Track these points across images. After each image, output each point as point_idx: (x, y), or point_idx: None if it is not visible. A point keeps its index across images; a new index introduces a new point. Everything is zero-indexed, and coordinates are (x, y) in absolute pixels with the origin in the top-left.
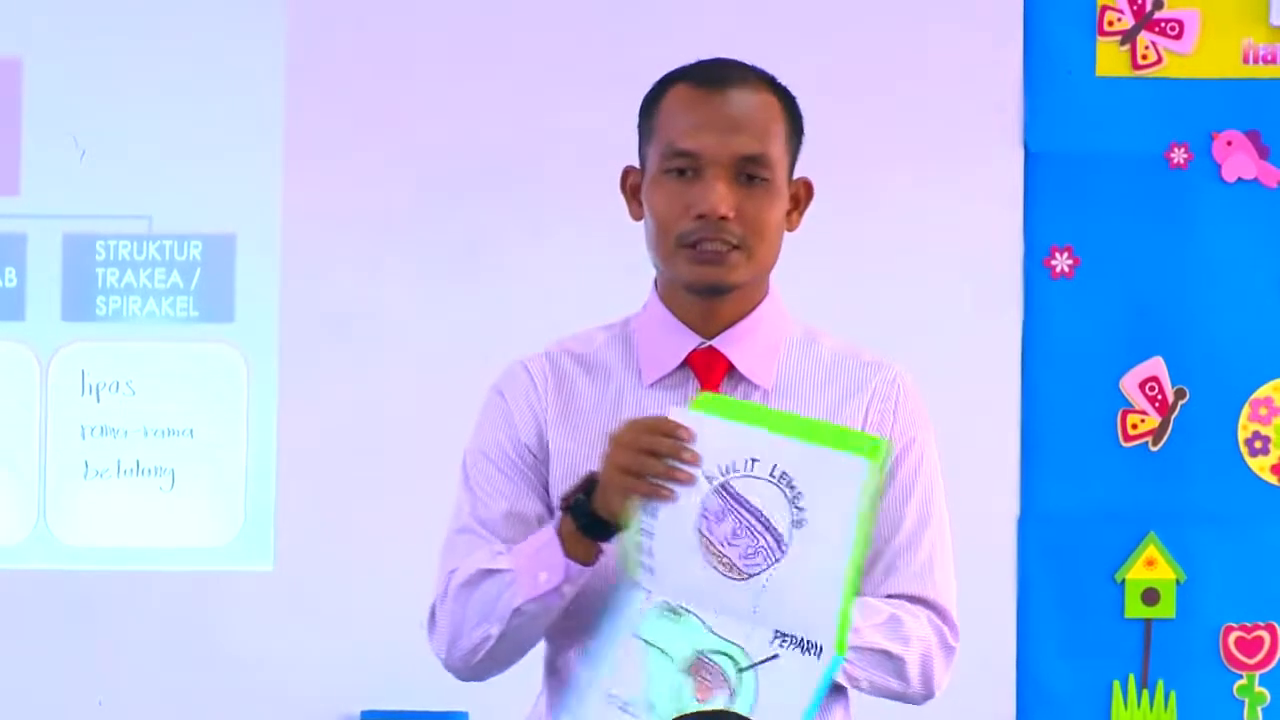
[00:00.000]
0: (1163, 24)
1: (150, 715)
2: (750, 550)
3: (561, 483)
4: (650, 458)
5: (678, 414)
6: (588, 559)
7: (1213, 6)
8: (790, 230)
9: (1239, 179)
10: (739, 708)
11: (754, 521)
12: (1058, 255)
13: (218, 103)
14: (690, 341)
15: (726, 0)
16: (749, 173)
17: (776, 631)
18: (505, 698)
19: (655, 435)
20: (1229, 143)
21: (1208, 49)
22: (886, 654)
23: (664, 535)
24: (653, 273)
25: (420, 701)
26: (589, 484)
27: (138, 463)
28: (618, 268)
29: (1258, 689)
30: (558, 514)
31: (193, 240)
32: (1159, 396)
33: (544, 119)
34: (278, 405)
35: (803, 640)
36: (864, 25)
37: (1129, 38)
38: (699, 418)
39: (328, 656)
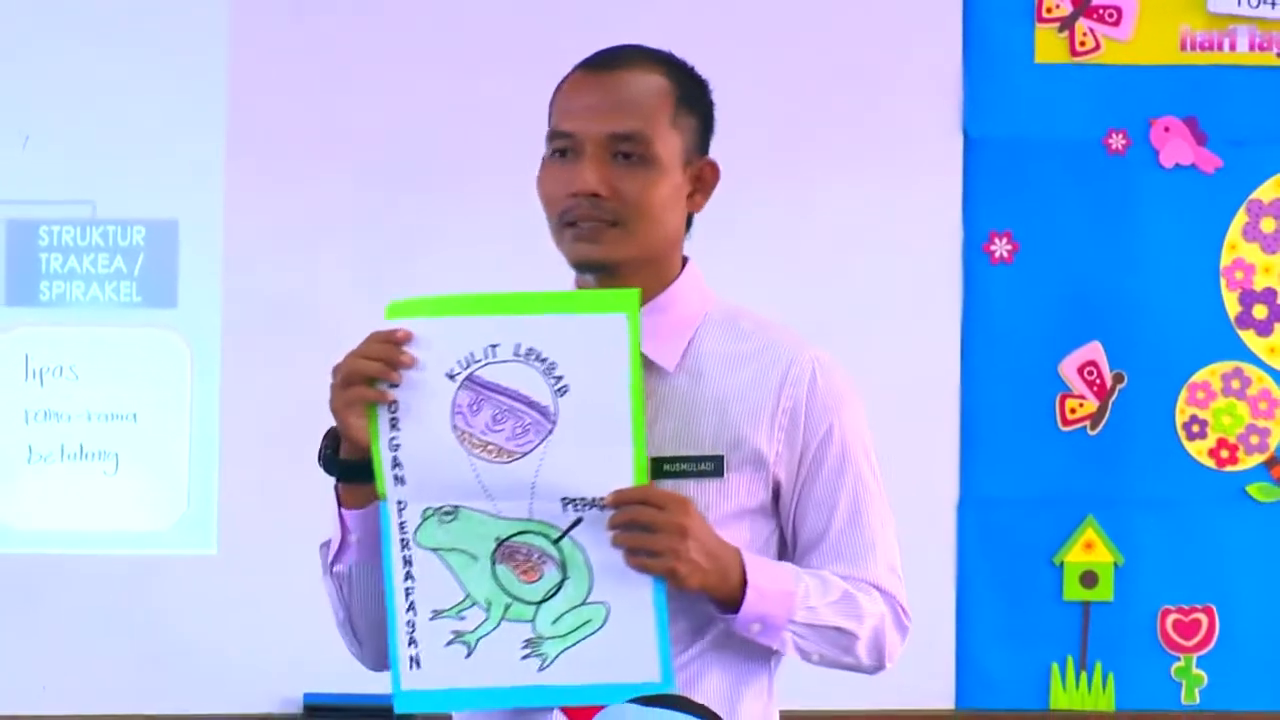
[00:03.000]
0: (1101, 10)
1: (94, 699)
2: (518, 430)
3: None
4: (361, 363)
5: (389, 325)
6: (362, 503)
7: None
8: (694, 210)
9: (1176, 165)
10: (576, 576)
11: (512, 402)
12: (997, 241)
13: (161, 92)
14: None
15: None
16: (624, 151)
17: (564, 499)
18: None
19: (363, 349)
20: (1166, 129)
21: (1145, 35)
22: (840, 630)
23: (411, 443)
24: None
25: (362, 685)
26: (332, 437)
27: (81, 447)
28: (554, 258)
29: (1195, 670)
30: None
31: (136, 226)
32: (1097, 380)
33: (481, 111)
34: (220, 390)
35: (593, 500)
36: (804, 13)
37: (1067, 24)
38: (414, 323)
39: (270, 639)
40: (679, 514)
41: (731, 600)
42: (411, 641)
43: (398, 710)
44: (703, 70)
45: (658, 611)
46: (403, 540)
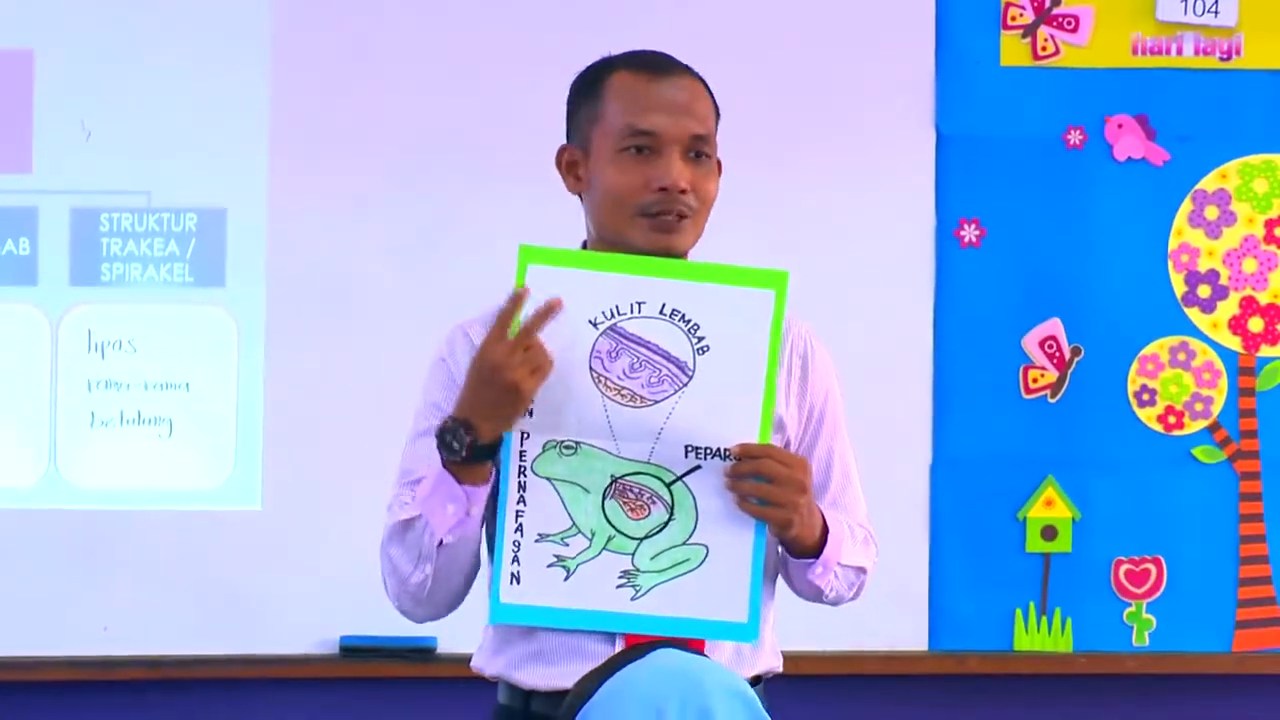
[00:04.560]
0: (1060, 19)
1: (149, 640)
2: (653, 379)
3: None
4: (518, 378)
5: (538, 275)
6: (482, 480)
7: (1105, 3)
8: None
9: (1129, 158)
10: (682, 517)
11: (651, 355)
12: (966, 227)
13: (210, 91)
14: None
15: None
16: (697, 150)
17: (688, 446)
18: (470, 625)
19: (515, 348)
20: (1120, 125)
21: (1101, 41)
22: (859, 569)
23: (547, 380)
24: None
25: (394, 629)
26: (465, 425)
27: (139, 413)
28: (576, 236)
29: (1145, 615)
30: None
31: (188, 213)
32: (1057, 353)
33: (509, 99)
34: (264, 362)
35: (718, 450)
36: (791, 21)
37: (1030, 31)
38: (559, 272)
39: (310, 588)
40: (801, 472)
41: (809, 549)
42: (515, 559)
43: (492, 621)
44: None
45: (755, 559)
46: (520, 467)
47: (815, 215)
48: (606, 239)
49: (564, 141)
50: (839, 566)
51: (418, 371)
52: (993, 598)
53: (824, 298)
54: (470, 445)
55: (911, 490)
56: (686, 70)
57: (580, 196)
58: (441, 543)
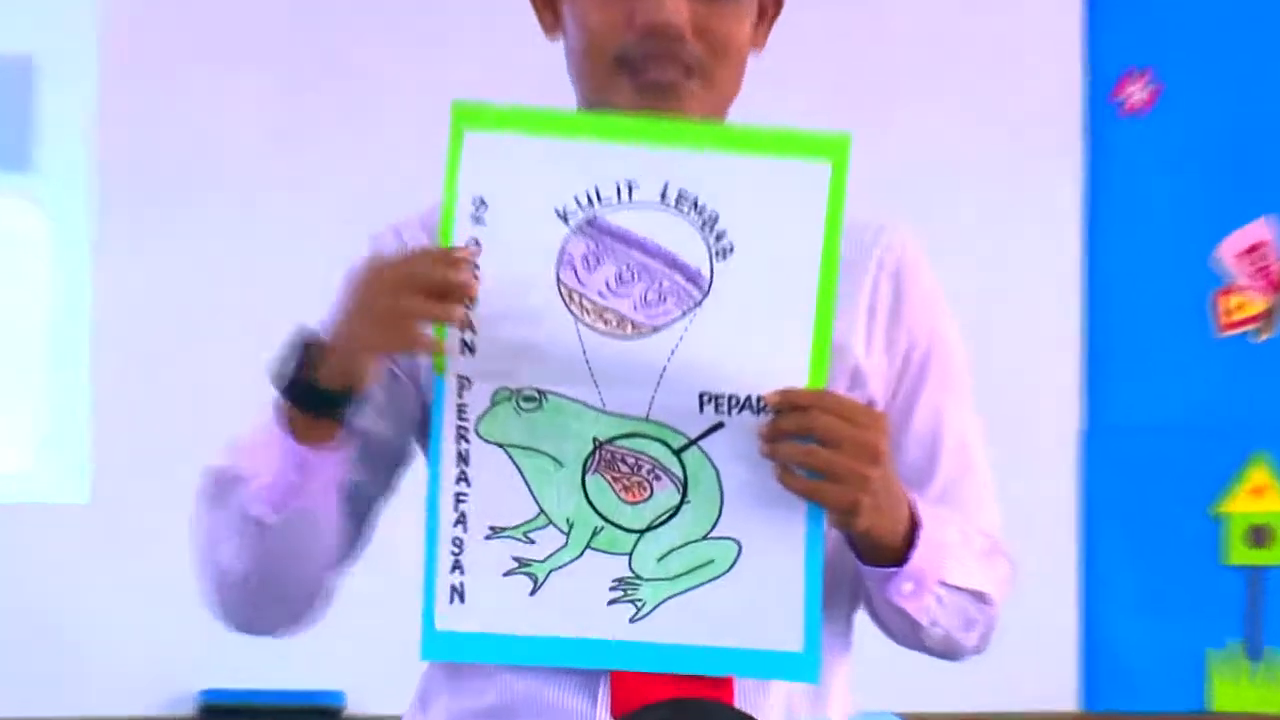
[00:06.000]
0: None
1: None
2: (651, 296)
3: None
4: (423, 276)
5: (481, 146)
6: (325, 441)
7: None
8: (756, 49)
9: None
10: (700, 500)
11: (649, 259)
12: (1131, 85)
13: None
14: None
15: None
16: None
17: (703, 394)
18: (395, 669)
19: (426, 264)
20: None
21: None
22: (977, 596)
23: (493, 298)
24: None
25: (279, 677)
26: (304, 349)
27: None
28: (535, 86)
29: None
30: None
31: None
32: (1266, 270)
33: None
34: (92, 284)
35: (748, 400)
36: None
37: None
38: (512, 139)
39: (158, 618)
40: (874, 431)
41: (888, 552)
42: (456, 566)
43: (424, 658)
44: None
45: (809, 558)
46: (460, 429)
47: (917, 69)
48: (591, 104)
49: None
50: (942, 588)
51: (318, 294)
52: (1175, 634)
53: (924, 192)
54: (305, 374)
55: (1053, 473)
56: None
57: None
58: (254, 516)
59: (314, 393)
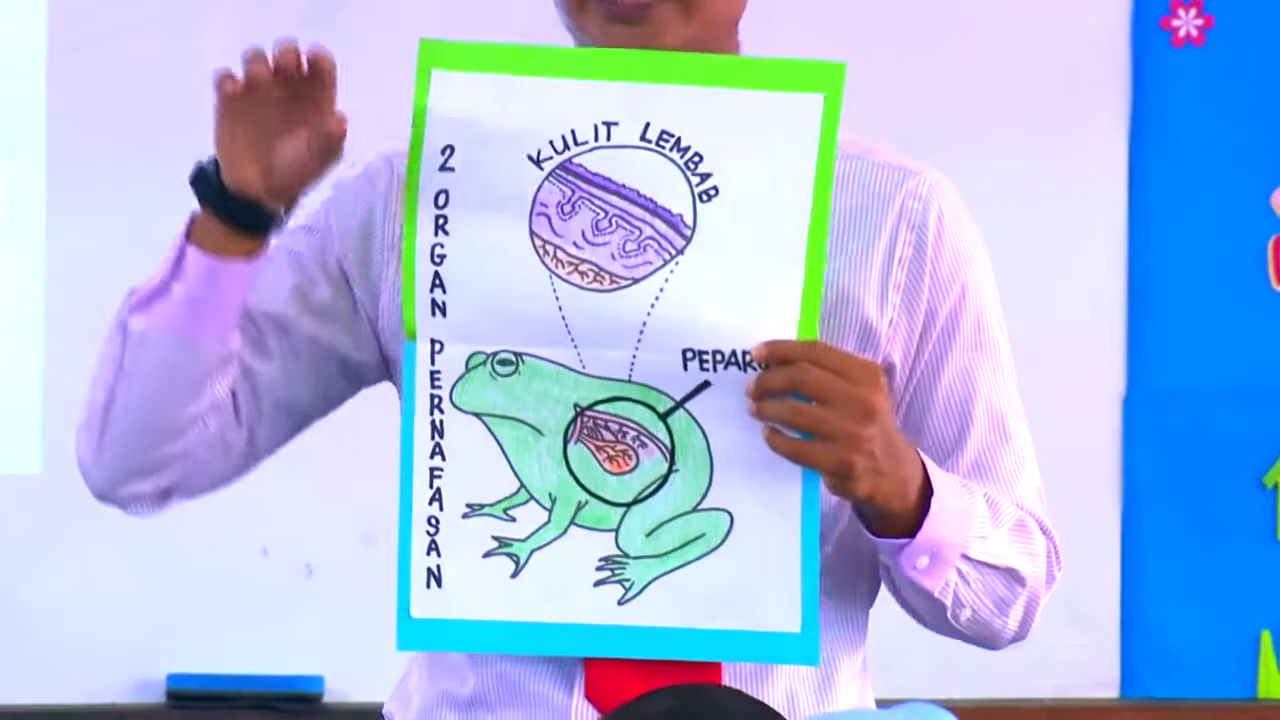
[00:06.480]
0: None
1: None
2: (629, 245)
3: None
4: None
5: (449, 85)
6: (222, 250)
7: None
8: None
9: None
10: (689, 468)
11: (628, 205)
12: (1181, 14)
13: None
14: None
15: None
16: None
17: (687, 351)
18: (374, 656)
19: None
20: None
21: None
22: (1010, 573)
23: (463, 255)
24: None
25: (253, 663)
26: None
27: None
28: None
29: None
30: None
31: None
32: None
33: None
34: (45, 220)
35: (733, 355)
36: None
37: None
38: (475, 79)
39: (123, 601)
40: (867, 385)
41: (898, 521)
42: (432, 547)
43: (401, 647)
44: None
45: (805, 529)
46: (434, 397)
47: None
48: (579, 42)
49: None
50: (966, 563)
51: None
52: (1224, 615)
53: (957, 133)
54: (214, 178)
55: (1093, 439)
56: None
57: None
58: (128, 325)
59: (220, 194)
